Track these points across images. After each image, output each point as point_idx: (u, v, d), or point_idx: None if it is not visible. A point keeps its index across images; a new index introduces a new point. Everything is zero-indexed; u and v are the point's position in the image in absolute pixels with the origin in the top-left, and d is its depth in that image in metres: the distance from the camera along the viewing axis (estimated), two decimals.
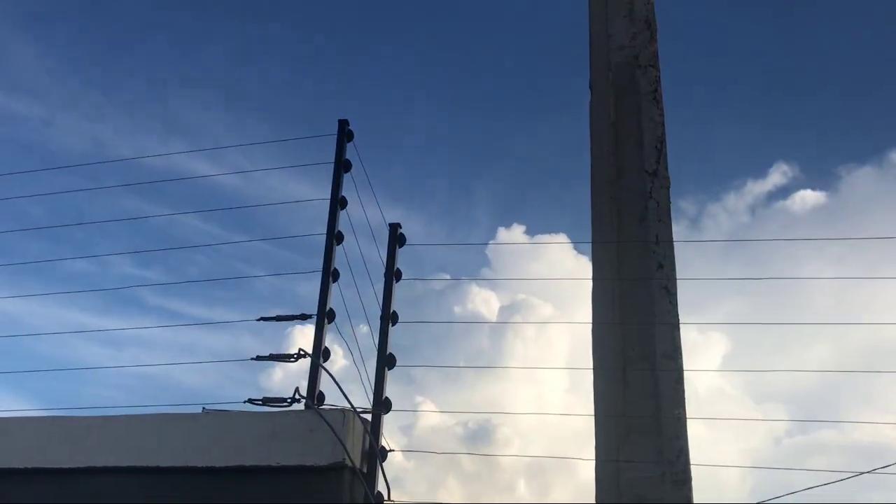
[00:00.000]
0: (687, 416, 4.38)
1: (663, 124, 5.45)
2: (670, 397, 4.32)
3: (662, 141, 5.38)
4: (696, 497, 4.06)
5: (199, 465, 1.99)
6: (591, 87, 5.61)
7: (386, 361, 2.25)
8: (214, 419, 2.04)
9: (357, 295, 2.41)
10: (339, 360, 2.25)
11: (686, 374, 4.40)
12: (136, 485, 2.02)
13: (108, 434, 2.12)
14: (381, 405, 2.12)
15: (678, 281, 4.64)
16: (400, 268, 3.01)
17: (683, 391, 4.46)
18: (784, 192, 13.30)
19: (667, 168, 5.27)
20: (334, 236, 2.46)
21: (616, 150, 5.40)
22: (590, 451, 4.41)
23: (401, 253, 2.96)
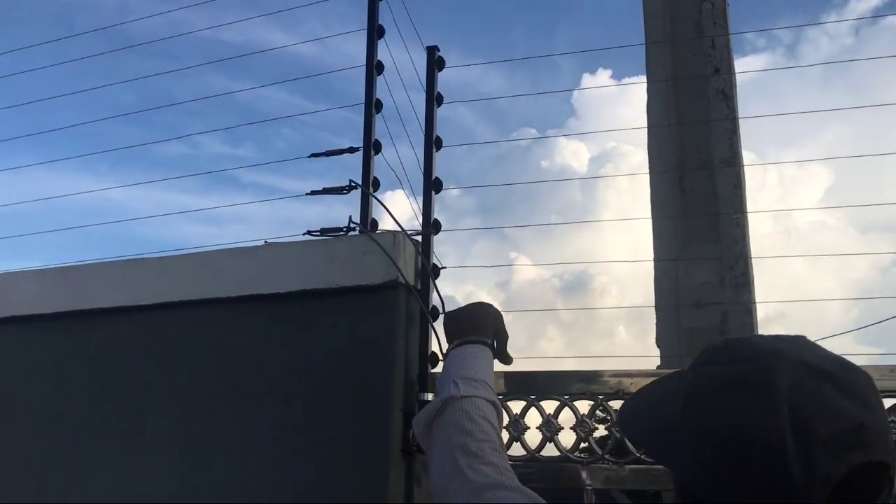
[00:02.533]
0: (748, 220, 4.36)
1: None
2: (729, 202, 4.27)
3: None
4: (793, 324, 4.08)
5: (265, 292, 2.12)
6: None
7: (433, 185, 2.29)
8: (276, 249, 2.15)
9: (401, 125, 2.41)
10: (387, 190, 2.29)
11: (786, 209, 4.32)
12: (209, 314, 2.17)
13: (179, 271, 2.26)
14: (431, 226, 2.18)
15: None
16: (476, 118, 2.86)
17: (744, 196, 4.39)
18: (891, 6, 12.20)
19: None
20: (374, 66, 2.44)
21: None
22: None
23: (486, 110, 2.82)
